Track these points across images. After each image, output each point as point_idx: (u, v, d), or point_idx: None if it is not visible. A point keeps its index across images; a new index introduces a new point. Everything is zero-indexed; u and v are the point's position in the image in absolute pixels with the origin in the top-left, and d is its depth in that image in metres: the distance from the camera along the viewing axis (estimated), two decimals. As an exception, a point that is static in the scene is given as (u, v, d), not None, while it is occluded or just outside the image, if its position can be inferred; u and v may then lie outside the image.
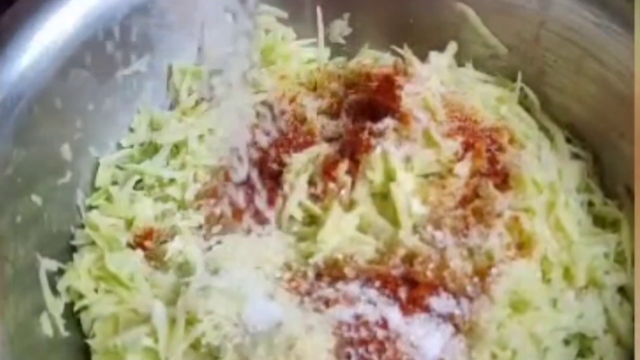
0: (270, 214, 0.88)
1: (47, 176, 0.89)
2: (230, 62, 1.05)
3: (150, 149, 0.98)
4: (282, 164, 0.90)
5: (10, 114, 0.83)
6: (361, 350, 0.76)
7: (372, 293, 0.80)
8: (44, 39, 0.87)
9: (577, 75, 0.94)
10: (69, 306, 0.86)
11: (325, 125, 0.95)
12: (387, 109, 0.91)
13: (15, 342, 0.77)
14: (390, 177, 0.87)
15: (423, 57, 1.00)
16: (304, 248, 0.85)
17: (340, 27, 1.07)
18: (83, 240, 0.91)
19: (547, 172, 0.91)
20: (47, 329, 0.82)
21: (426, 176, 0.90)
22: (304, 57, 1.07)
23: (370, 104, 0.92)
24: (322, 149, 0.91)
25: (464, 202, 0.87)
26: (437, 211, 0.86)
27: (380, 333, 0.77)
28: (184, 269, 0.86)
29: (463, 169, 0.89)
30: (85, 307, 0.86)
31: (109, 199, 0.94)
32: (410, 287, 0.80)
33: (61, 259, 0.88)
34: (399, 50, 1.03)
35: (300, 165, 0.89)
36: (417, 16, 1.02)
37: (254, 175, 0.91)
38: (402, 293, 0.80)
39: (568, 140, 0.97)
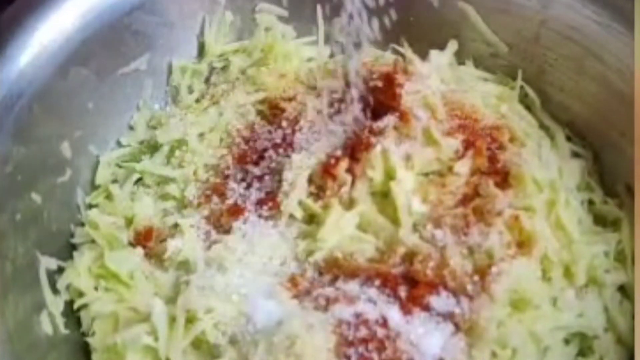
0: (270, 212, 0.88)
1: (47, 174, 0.89)
2: (230, 60, 1.05)
3: (150, 147, 0.98)
4: (282, 163, 0.90)
5: (10, 112, 0.83)
6: (361, 349, 0.75)
7: (372, 292, 0.80)
8: (44, 37, 0.87)
9: (578, 74, 0.94)
10: (69, 304, 0.87)
11: (325, 124, 0.94)
12: (388, 107, 0.90)
13: (15, 340, 0.77)
14: (390, 175, 0.87)
15: (423, 56, 1.00)
16: (304, 247, 0.85)
17: (340, 25, 1.06)
18: (83, 238, 0.91)
19: (548, 170, 0.91)
20: (46, 327, 0.82)
21: (426, 174, 0.89)
22: (304, 55, 1.07)
23: (370, 103, 0.92)
24: (322, 147, 0.91)
25: (464, 200, 0.87)
26: (437, 210, 0.86)
27: (380, 332, 0.77)
28: (184, 268, 0.86)
29: (463, 167, 0.89)
30: (85, 305, 0.86)
31: (108, 197, 0.94)
32: (410, 285, 0.80)
33: (61, 257, 0.88)
34: (399, 48, 1.03)
35: (300, 163, 0.89)
36: (418, 14, 1.02)
37: (254, 173, 0.91)
38: (402, 292, 0.80)
39: (568, 139, 0.96)
